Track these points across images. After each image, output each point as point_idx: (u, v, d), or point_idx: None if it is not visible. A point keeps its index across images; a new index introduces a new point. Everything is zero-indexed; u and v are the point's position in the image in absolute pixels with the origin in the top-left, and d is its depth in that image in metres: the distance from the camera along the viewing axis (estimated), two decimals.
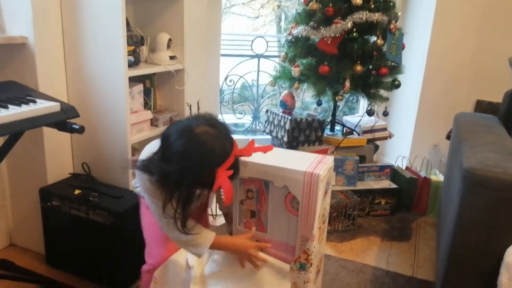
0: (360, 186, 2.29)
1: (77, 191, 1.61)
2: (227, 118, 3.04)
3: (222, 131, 0.99)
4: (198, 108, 2.07)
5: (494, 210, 1.25)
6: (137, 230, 1.61)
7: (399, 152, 2.73)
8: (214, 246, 1.12)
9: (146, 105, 1.93)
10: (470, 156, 1.39)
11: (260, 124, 3.10)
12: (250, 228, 1.17)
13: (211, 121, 0.99)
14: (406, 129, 2.75)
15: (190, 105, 2.02)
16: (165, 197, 0.99)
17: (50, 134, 1.65)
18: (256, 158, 1.15)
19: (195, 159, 0.93)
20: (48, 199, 1.64)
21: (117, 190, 1.66)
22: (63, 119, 1.35)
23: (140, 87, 1.83)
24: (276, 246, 1.15)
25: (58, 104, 1.31)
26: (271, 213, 1.13)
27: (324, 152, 2.35)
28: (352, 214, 2.13)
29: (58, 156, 1.75)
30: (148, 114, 1.84)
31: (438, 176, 2.41)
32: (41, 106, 1.25)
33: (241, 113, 3.06)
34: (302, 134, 2.29)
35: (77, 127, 1.35)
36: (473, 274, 1.33)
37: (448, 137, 2.47)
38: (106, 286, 1.62)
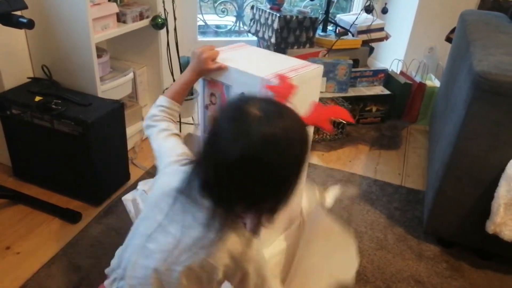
0: (351, 92, 2.15)
1: (37, 98, 1.42)
2: (208, 18, 2.75)
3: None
4: (173, 2, 1.80)
5: (507, 119, 1.15)
6: (108, 140, 1.47)
7: (394, 56, 2.56)
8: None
9: None
10: (481, 59, 1.26)
11: (244, 26, 2.83)
12: None
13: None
14: (403, 30, 2.54)
15: None
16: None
17: None
18: (223, 57, 0.98)
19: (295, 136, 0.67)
20: (7, 107, 1.46)
21: (83, 96, 1.47)
22: (6, 11, 1.17)
23: None
24: None
25: None
26: None
27: (315, 55, 2.15)
28: (341, 122, 2.02)
29: (13, 57, 1.53)
30: (113, 7, 1.57)
31: (433, 82, 2.28)
32: None
33: (223, 12, 2.76)
34: (291, 35, 2.06)
35: (24, 20, 1.19)
36: (471, 184, 1.28)
37: (448, 39, 2.30)
38: (79, 199, 1.52)
